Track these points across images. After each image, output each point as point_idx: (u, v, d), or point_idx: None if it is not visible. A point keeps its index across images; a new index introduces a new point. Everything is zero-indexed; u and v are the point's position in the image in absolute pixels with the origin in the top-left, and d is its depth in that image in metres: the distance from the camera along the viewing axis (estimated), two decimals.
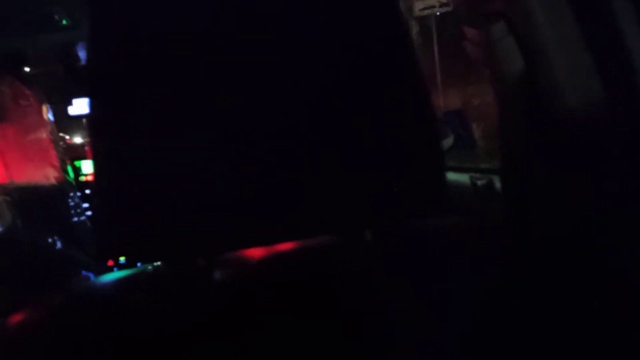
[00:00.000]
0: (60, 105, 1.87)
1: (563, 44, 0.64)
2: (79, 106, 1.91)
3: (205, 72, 0.44)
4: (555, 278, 0.51)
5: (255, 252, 0.55)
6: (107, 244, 0.45)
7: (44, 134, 1.49)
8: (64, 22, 1.60)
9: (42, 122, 1.49)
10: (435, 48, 2.10)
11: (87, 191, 1.93)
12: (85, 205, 1.81)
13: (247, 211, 0.45)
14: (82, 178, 1.96)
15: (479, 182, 1.20)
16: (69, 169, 1.72)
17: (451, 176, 1.55)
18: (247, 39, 0.44)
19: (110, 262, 1.64)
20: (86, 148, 2.13)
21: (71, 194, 1.68)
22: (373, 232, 0.54)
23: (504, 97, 0.72)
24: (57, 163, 1.56)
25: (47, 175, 1.50)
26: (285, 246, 0.55)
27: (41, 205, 1.43)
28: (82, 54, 1.88)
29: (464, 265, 0.52)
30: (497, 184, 1.15)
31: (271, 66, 0.45)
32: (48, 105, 1.59)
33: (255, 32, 0.45)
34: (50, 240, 1.43)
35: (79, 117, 1.97)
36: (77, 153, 2.11)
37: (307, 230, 0.48)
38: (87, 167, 1.98)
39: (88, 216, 1.79)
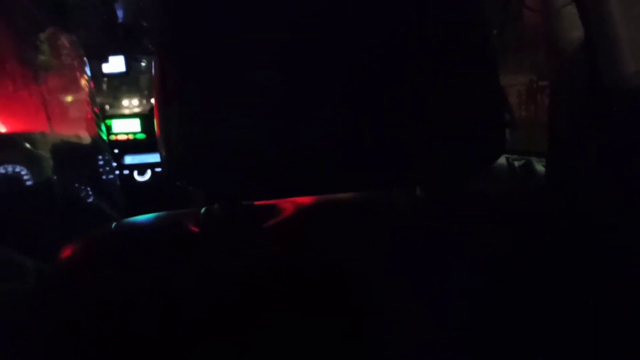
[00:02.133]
0: (95, 62, 1.88)
1: (627, 15, 0.63)
2: (115, 63, 1.92)
3: (281, 23, 0.45)
4: (594, 266, 0.51)
5: (306, 200, 0.55)
6: (181, 170, 0.46)
7: (82, 89, 1.50)
8: None
9: (81, 77, 1.51)
10: None
11: (116, 150, 1.95)
12: (114, 163, 1.84)
13: (317, 159, 0.46)
14: (113, 137, 1.98)
15: (517, 164, 1.19)
16: (102, 126, 1.74)
17: None
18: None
19: None
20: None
21: (103, 151, 1.70)
22: (424, 189, 0.55)
23: (560, 70, 0.70)
24: (92, 119, 1.58)
25: (83, 130, 1.51)
26: (343, 196, 0.55)
27: (76, 159, 1.45)
28: (119, 12, 1.88)
29: (506, 240, 0.52)
30: (536, 166, 1.14)
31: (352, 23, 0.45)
32: (86, 61, 1.60)
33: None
34: (82, 193, 1.45)
35: (112, 75, 1.98)
36: (108, 111, 2.13)
37: (372, 180, 0.48)
38: (117, 126, 1.99)
39: (116, 174, 1.81)
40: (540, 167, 1.16)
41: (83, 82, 1.54)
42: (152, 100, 0.47)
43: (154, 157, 1.97)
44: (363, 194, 0.57)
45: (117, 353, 0.45)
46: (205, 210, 0.52)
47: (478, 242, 0.51)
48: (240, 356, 0.45)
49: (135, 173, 1.96)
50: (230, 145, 0.44)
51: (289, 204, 0.54)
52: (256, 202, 0.53)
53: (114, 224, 0.55)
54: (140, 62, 2.12)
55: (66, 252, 0.53)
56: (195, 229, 0.51)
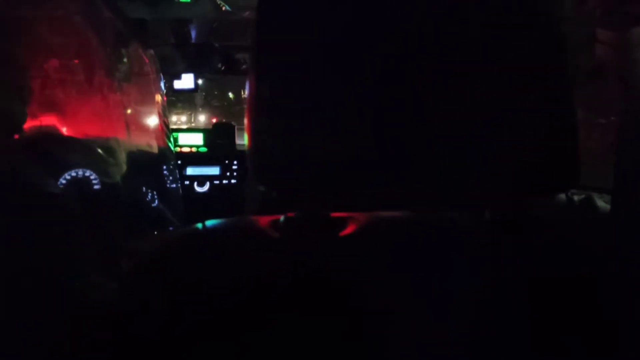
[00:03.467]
0: (167, 78, 2.00)
1: None
2: (186, 81, 2.03)
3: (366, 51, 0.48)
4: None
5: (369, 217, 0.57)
6: (265, 178, 0.50)
7: (156, 102, 1.60)
8: None
9: (157, 91, 1.61)
10: None
11: (180, 161, 2.06)
12: (177, 174, 1.93)
13: (391, 177, 0.49)
14: (177, 149, 2.09)
15: (576, 198, 1.17)
16: (171, 138, 1.84)
17: None
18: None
19: None
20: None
21: (169, 161, 1.79)
22: (492, 212, 0.56)
23: (632, 106, 0.70)
24: (162, 130, 1.67)
25: (153, 140, 1.61)
26: (409, 215, 0.57)
27: (146, 166, 1.54)
28: (193, 32, 1.99)
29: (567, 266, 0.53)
30: (597, 201, 1.12)
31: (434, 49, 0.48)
32: (161, 76, 1.71)
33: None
34: (148, 197, 1.54)
35: (182, 91, 2.09)
36: (176, 124, 2.24)
37: (447, 200, 0.51)
38: (183, 138, 2.10)
39: (179, 184, 1.90)
40: (601, 203, 1.14)
41: (157, 95, 1.64)
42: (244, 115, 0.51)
43: (214, 170, 2.06)
44: (427, 214, 0.58)
45: (192, 350, 0.46)
46: (285, 217, 0.55)
47: (538, 266, 0.52)
48: None
49: (195, 184, 2.05)
50: (316, 157, 0.48)
51: (355, 218, 0.56)
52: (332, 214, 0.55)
53: (199, 224, 0.58)
54: (200, 79, 2.24)
55: (145, 249, 0.56)
56: (276, 234, 0.53)
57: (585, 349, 0.49)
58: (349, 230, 0.53)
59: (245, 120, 0.51)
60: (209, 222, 0.57)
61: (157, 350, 0.47)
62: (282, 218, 0.55)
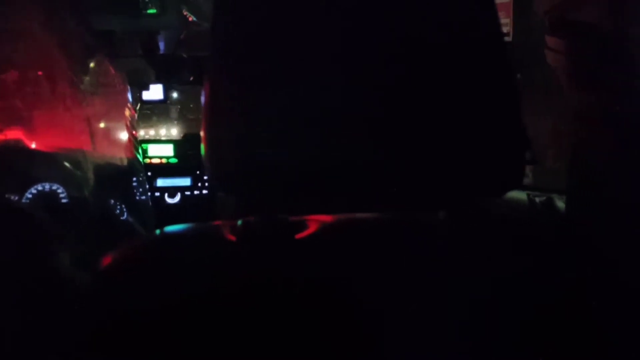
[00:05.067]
0: (134, 89, 1.98)
1: None
2: (154, 92, 2.02)
3: (317, 41, 0.50)
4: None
5: (329, 218, 0.58)
6: (223, 182, 0.51)
7: (123, 114, 1.58)
8: (151, 10, 1.71)
9: (124, 102, 1.59)
10: None
11: (149, 173, 2.04)
12: (147, 185, 1.92)
13: (351, 179, 0.50)
14: (147, 160, 2.07)
15: (538, 200, 1.21)
16: (140, 149, 1.82)
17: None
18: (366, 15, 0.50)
19: None
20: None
21: (138, 173, 1.78)
22: (447, 212, 0.58)
23: (584, 110, 0.73)
24: (131, 142, 1.66)
25: (121, 152, 1.59)
26: (366, 216, 0.59)
27: (113, 178, 1.52)
28: (161, 43, 1.99)
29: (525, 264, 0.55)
30: (558, 203, 1.16)
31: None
32: (128, 87, 1.69)
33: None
34: (116, 210, 1.52)
35: (151, 102, 2.07)
36: (144, 136, 2.22)
37: (402, 200, 0.53)
38: (152, 150, 2.08)
39: (149, 195, 1.88)
40: (561, 204, 1.18)
41: (125, 107, 1.63)
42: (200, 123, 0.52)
43: (185, 181, 2.04)
44: (386, 215, 0.60)
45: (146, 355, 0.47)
46: (242, 221, 0.56)
47: (496, 262, 0.54)
48: None
49: (166, 195, 2.03)
50: (272, 163, 0.49)
51: (314, 221, 0.57)
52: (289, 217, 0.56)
53: (157, 230, 0.59)
54: (175, 92, 2.23)
55: (107, 260, 0.56)
56: (233, 238, 0.54)
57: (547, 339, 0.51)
58: (306, 232, 0.54)
59: (202, 130, 0.52)
60: (168, 228, 0.59)
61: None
62: (239, 222, 0.55)
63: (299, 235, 0.55)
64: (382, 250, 0.54)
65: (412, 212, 0.59)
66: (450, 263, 0.53)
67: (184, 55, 2.00)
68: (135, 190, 1.77)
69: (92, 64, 1.49)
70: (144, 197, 1.84)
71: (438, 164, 0.51)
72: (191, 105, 2.37)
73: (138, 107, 2.25)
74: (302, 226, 0.56)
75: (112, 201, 1.50)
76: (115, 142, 1.60)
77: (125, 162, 1.61)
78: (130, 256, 0.57)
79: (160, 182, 2.04)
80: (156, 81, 2.01)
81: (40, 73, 1.26)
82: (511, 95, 0.52)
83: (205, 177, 2.06)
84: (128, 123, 1.67)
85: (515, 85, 0.53)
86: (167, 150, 2.10)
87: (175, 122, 2.36)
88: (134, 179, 1.78)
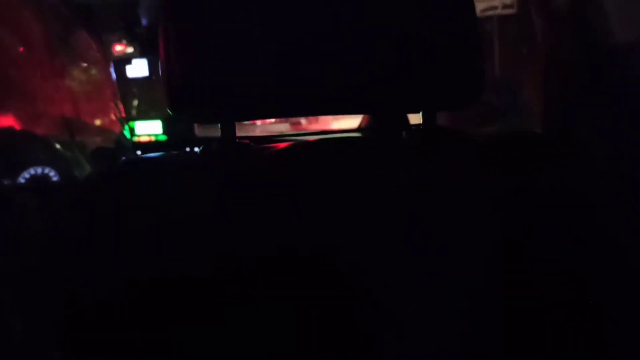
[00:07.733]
0: (119, 64, 1.91)
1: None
2: (138, 67, 1.94)
3: None
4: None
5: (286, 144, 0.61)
6: (180, 101, 0.57)
7: (108, 90, 1.53)
8: None
9: (107, 78, 1.53)
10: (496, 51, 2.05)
11: (139, 151, 1.98)
12: None
13: (308, 83, 0.55)
14: (135, 138, 2.01)
15: None
16: (127, 127, 1.76)
17: None
18: None
19: None
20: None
21: (127, 151, 1.73)
22: (408, 133, 0.61)
23: (551, 35, 0.73)
24: (117, 120, 1.61)
25: (108, 131, 1.55)
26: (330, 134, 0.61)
27: (104, 157, 1.49)
28: (142, 15, 1.91)
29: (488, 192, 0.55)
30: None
31: None
32: (112, 63, 1.63)
33: None
34: None
35: (136, 79, 2.00)
36: (132, 114, 2.16)
37: (364, 105, 0.60)
38: (141, 128, 2.02)
39: None
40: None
41: (110, 83, 1.57)
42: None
43: None
44: (343, 137, 0.69)
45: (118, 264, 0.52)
46: (203, 147, 0.60)
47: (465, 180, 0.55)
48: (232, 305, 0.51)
49: None
50: (224, 74, 0.54)
51: (272, 146, 0.61)
52: (247, 141, 0.60)
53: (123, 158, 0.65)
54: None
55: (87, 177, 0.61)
56: (197, 162, 0.59)
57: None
58: (263, 156, 0.58)
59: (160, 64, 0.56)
60: (147, 155, 0.66)
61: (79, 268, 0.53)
62: (200, 149, 0.60)
63: (256, 159, 0.58)
64: (337, 172, 0.56)
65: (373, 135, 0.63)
66: (410, 181, 0.55)
67: None
68: None
69: (71, 40, 1.43)
70: None
71: (397, 74, 0.55)
72: None
73: (128, 83, 2.18)
74: (259, 151, 0.59)
75: None
76: (102, 121, 1.55)
77: (113, 143, 1.57)
78: (105, 176, 0.63)
79: None
80: (140, 55, 1.94)
81: (21, 49, 1.20)
82: (472, 36, 0.57)
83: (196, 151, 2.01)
84: (113, 100, 1.61)
85: (477, 30, 0.58)
86: (156, 127, 2.03)
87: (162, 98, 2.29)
88: (124, 158, 1.73)
